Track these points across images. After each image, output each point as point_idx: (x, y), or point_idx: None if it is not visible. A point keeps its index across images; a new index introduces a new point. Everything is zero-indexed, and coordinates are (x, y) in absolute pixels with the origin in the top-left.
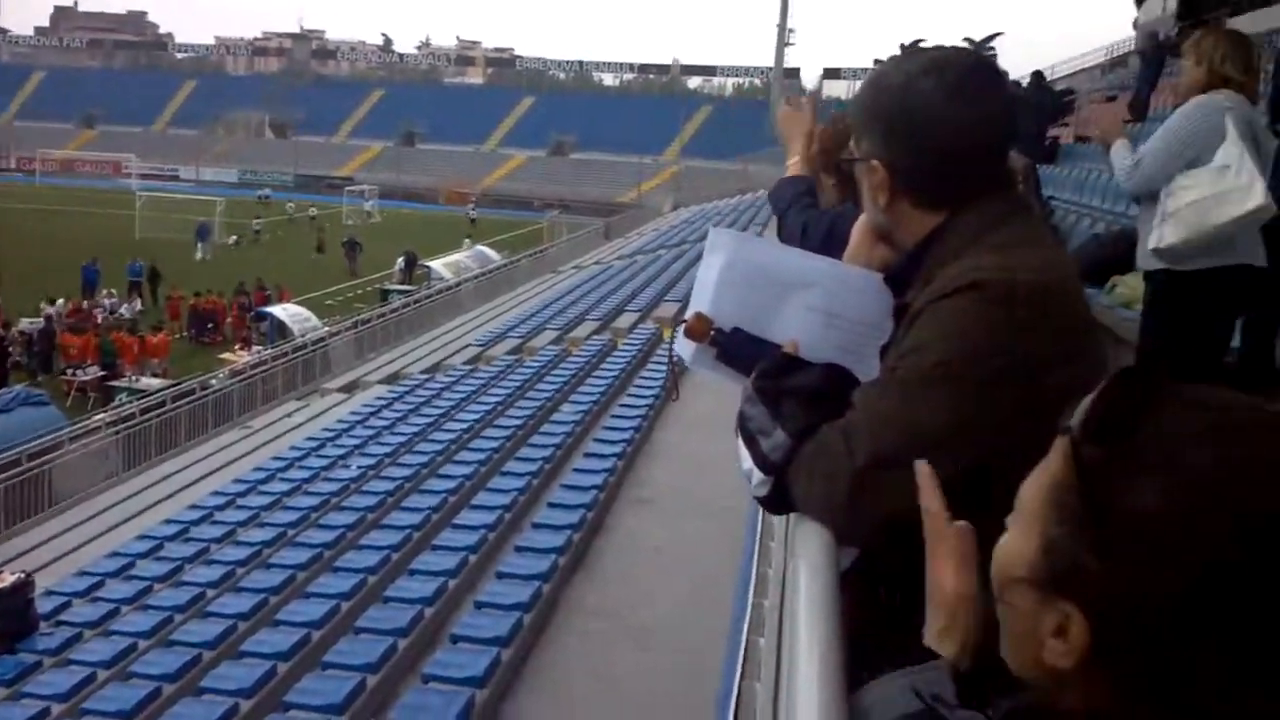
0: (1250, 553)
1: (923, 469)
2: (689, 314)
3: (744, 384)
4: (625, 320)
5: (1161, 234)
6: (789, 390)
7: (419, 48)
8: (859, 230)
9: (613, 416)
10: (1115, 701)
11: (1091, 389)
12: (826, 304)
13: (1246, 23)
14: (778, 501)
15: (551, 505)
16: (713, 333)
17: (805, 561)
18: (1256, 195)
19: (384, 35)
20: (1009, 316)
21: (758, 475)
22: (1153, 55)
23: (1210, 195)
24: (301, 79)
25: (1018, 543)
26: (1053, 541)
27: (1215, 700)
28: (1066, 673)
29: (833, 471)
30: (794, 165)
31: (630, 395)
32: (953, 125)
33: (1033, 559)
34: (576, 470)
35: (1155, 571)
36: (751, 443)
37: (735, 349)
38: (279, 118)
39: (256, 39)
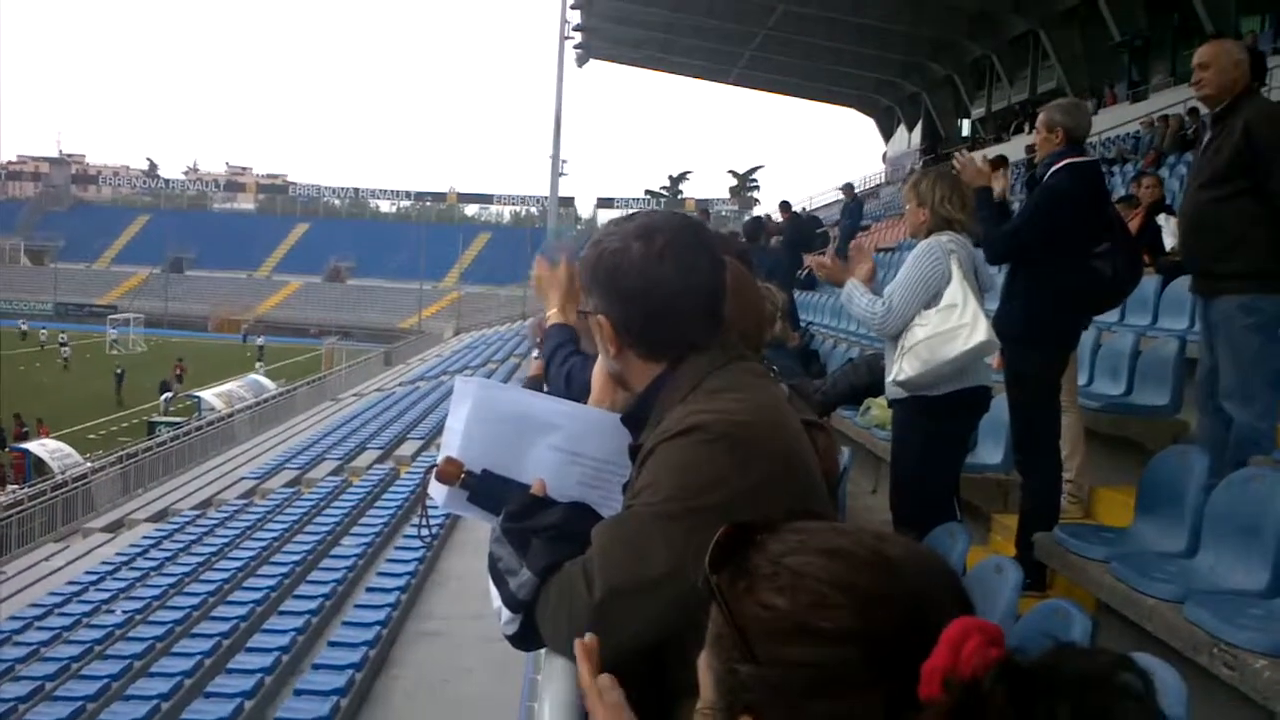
0: (860, 616)
1: (584, 646)
2: (439, 459)
3: (494, 524)
4: (409, 448)
5: (901, 367)
6: (535, 529)
7: (186, 173)
8: (598, 375)
9: (396, 548)
10: None
11: (799, 515)
12: (569, 444)
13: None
14: (527, 638)
15: (333, 644)
16: (463, 475)
17: (550, 698)
18: (980, 332)
19: (149, 160)
20: (726, 454)
21: (506, 614)
22: (851, 204)
23: (940, 332)
24: (60, 204)
25: (702, 691)
26: (719, 675)
27: None
28: None
29: (574, 607)
30: (553, 315)
31: (414, 525)
32: (662, 288)
33: (710, 697)
34: (359, 606)
35: (792, 652)
36: (500, 582)
37: (485, 490)
38: (36, 244)
39: (10, 163)
